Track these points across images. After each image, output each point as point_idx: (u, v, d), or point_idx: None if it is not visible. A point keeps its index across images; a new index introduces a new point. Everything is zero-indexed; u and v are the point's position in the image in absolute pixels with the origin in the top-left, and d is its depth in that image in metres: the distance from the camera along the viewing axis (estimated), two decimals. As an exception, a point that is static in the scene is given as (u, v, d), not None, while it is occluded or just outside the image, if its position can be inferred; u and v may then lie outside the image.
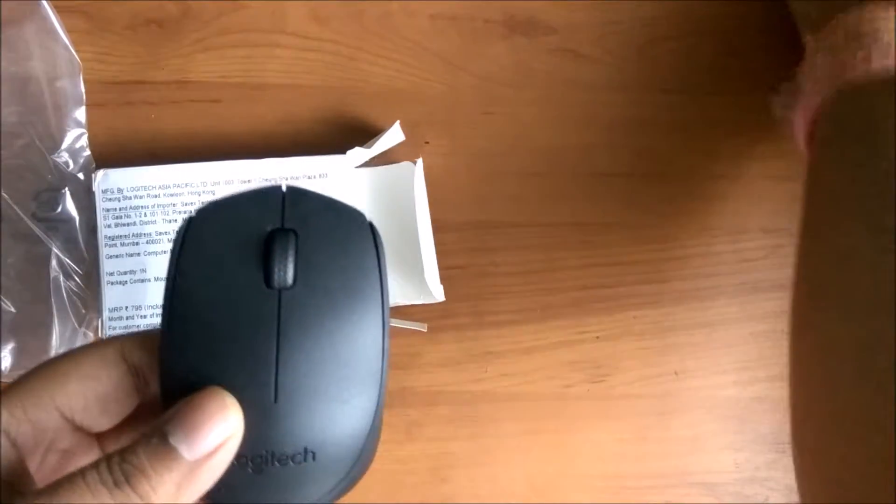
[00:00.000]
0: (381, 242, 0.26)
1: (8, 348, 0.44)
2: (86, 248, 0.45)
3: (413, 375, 0.47)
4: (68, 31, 0.46)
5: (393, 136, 0.46)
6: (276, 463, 0.23)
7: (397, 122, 0.46)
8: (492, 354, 0.47)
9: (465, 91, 0.48)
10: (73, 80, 0.46)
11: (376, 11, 0.49)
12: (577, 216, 0.48)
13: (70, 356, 0.26)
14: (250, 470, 0.23)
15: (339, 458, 0.24)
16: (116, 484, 0.21)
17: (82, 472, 0.21)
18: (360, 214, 0.26)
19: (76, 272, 0.45)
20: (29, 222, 0.44)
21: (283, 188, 0.25)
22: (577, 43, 0.49)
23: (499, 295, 0.47)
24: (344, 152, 0.45)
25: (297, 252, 0.24)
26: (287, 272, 0.24)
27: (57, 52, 0.46)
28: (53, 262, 0.44)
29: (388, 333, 0.25)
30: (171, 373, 0.24)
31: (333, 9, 0.48)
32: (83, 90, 0.46)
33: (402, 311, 0.46)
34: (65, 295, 0.44)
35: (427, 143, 0.48)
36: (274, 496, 0.24)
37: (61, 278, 0.44)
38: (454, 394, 0.47)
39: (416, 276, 0.45)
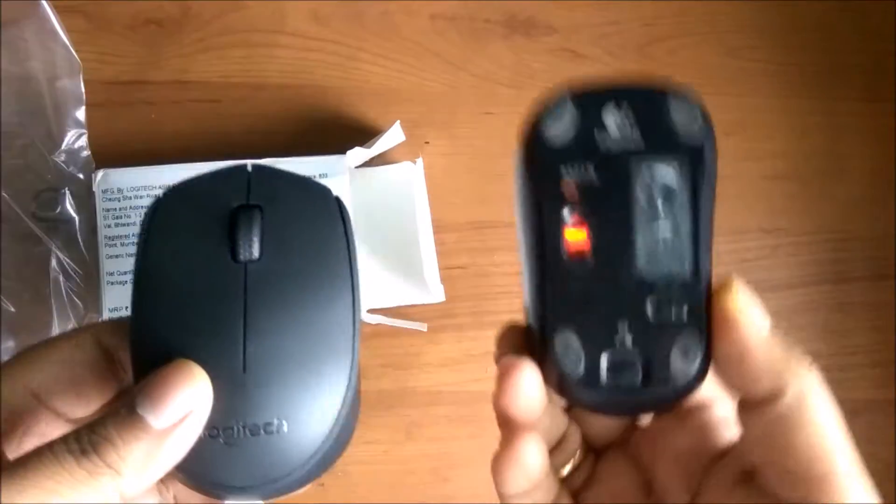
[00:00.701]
0: (348, 217, 0.26)
1: (8, 348, 0.44)
2: (86, 248, 0.45)
3: (413, 375, 0.47)
4: (68, 31, 0.46)
5: (393, 136, 0.46)
6: (247, 433, 0.23)
7: (397, 122, 0.46)
8: (491, 354, 0.47)
9: (465, 91, 0.48)
10: (73, 80, 0.46)
11: (376, 11, 0.49)
12: (577, 216, 0.48)
13: (45, 342, 0.26)
14: (222, 441, 0.23)
15: (313, 429, 0.24)
16: (84, 453, 0.21)
17: (50, 444, 0.21)
18: (326, 190, 0.26)
19: (76, 272, 0.45)
20: (29, 222, 0.44)
21: (249, 167, 0.26)
22: (577, 43, 0.49)
23: (499, 295, 0.47)
24: (344, 152, 0.45)
25: (262, 226, 0.25)
26: (252, 245, 0.24)
27: (57, 52, 0.46)
28: (53, 262, 0.44)
29: (360, 306, 0.25)
30: (140, 349, 0.24)
31: (333, 9, 0.48)
32: (83, 90, 0.46)
33: (402, 312, 0.46)
34: (65, 295, 0.44)
35: (427, 143, 0.48)
36: (247, 467, 0.23)
37: (61, 278, 0.44)
38: (454, 394, 0.47)
39: (416, 276, 0.45)
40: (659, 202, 0.24)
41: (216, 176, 0.26)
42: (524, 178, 0.25)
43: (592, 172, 0.24)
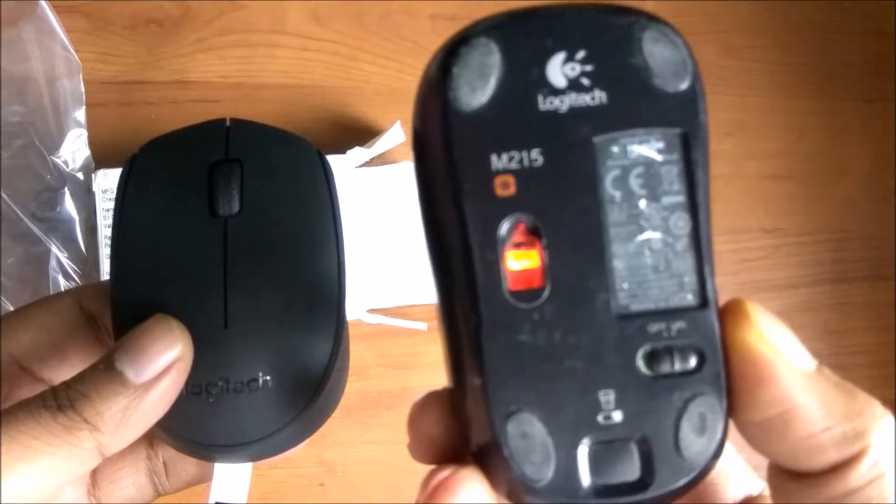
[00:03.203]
0: (330, 170, 0.25)
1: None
2: (86, 248, 0.45)
3: (413, 375, 0.47)
4: (68, 31, 0.46)
5: (393, 136, 0.46)
6: (230, 390, 0.23)
7: (397, 122, 0.46)
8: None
9: (465, 91, 0.48)
10: (72, 80, 0.46)
11: (376, 11, 0.49)
12: (577, 216, 0.48)
13: (24, 307, 0.25)
14: (204, 398, 0.23)
15: (297, 385, 0.23)
16: (60, 408, 0.20)
17: (27, 401, 0.21)
18: (307, 143, 0.25)
19: (76, 272, 0.45)
20: (29, 222, 0.44)
21: (228, 122, 0.25)
22: (576, 43, 0.49)
23: (499, 295, 0.47)
24: (344, 152, 0.45)
25: (242, 180, 0.24)
26: (232, 200, 0.24)
27: (56, 52, 0.46)
28: (53, 262, 0.44)
29: (345, 263, 0.24)
30: (120, 307, 0.23)
31: (333, 9, 0.48)
32: (83, 90, 0.46)
33: (402, 312, 0.46)
34: (65, 295, 0.44)
35: (427, 143, 0.48)
36: (231, 425, 0.23)
37: (61, 278, 0.44)
38: (454, 394, 0.47)
39: (416, 277, 0.45)
40: (642, 196, 0.16)
41: (193, 131, 0.25)
42: (431, 175, 0.17)
43: (539, 159, 0.16)
